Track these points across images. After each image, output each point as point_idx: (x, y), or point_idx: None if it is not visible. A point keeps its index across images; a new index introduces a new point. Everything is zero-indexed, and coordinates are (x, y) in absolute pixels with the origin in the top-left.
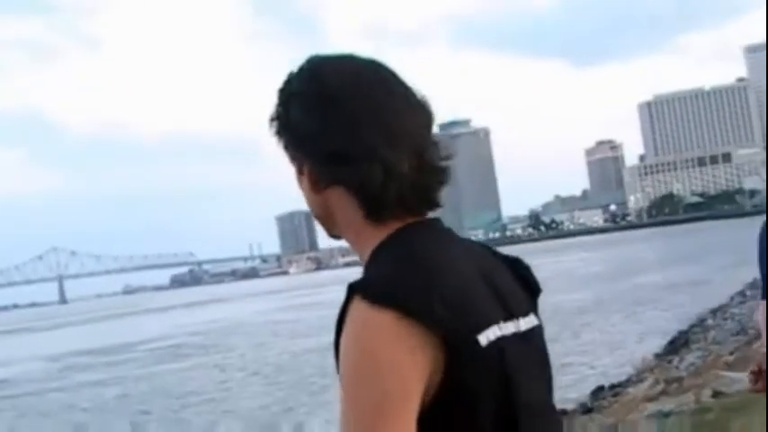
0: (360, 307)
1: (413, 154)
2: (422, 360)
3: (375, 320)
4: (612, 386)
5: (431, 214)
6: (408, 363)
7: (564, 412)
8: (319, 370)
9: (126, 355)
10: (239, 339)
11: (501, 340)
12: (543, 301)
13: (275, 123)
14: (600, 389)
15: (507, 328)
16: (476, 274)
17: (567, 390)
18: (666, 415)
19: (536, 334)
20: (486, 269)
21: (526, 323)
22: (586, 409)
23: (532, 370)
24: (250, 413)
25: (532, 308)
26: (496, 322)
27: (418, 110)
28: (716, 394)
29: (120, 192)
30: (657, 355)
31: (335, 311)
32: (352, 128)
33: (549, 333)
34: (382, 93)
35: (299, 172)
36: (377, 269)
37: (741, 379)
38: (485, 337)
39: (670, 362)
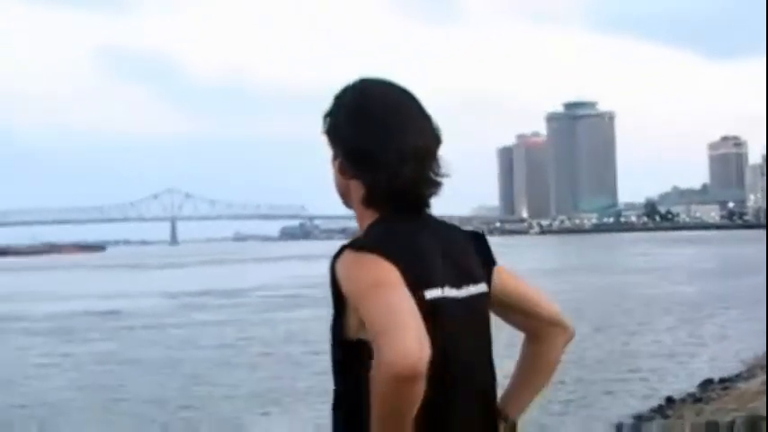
0: (348, 253)
1: (416, 168)
2: (396, 275)
3: (360, 256)
4: (722, 380)
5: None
6: (388, 271)
7: (670, 400)
8: None
9: (241, 299)
10: None
11: (443, 299)
12: (659, 290)
13: (327, 120)
14: (709, 381)
15: (453, 291)
16: (436, 249)
17: (676, 380)
18: None
19: (479, 299)
20: (446, 246)
21: (474, 288)
22: (695, 399)
23: (471, 328)
24: None
25: (484, 277)
26: (442, 286)
27: (428, 134)
28: None
29: (238, 139)
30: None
31: None
32: (373, 141)
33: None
34: (402, 117)
35: (334, 158)
36: (362, 236)
37: None
38: (429, 295)
39: None
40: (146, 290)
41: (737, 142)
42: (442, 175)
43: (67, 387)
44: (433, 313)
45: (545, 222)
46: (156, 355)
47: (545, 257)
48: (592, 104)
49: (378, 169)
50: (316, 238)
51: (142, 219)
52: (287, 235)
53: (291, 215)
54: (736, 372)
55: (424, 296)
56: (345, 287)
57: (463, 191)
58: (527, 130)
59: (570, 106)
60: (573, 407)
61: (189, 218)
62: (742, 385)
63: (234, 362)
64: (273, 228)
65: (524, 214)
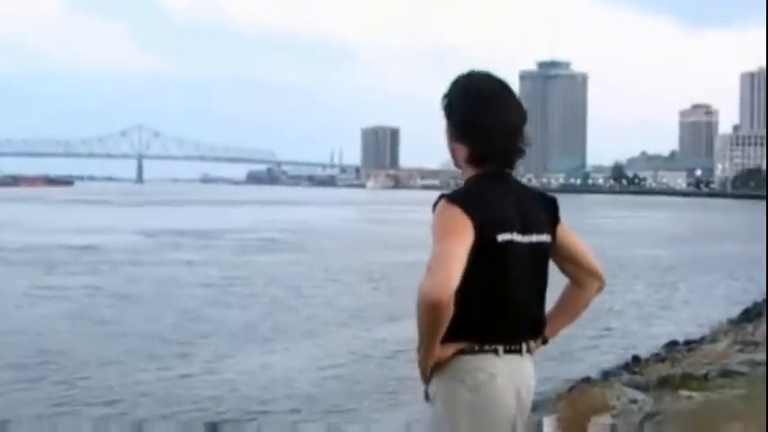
0: (441, 201)
1: (507, 138)
2: (468, 230)
3: (446, 206)
4: (687, 342)
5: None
6: (462, 223)
7: (636, 358)
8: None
9: (217, 240)
10: (330, 243)
11: (511, 242)
12: (626, 252)
13: (445, 100)
14: (674, 343)
15: (520, 237)
16: (511, 203)
17: (643, 341)
18: (757, 364)
19: (543, 246)
20: (520, 201)
21: (537, 237)
22: (660, 359)
23: (528, 270)
24: (358, 312)
25: (548, 230)
26: (512, 231)
27: (517, 114)
28: None
29: (209, 80)
30: (731, 321)
31: (419, 231)
32: (478, 116)
33: (635, 286)
34: (499, 100)
35: (448, 127)
36: (460, 188)
37: None
38: (500, 238)
39: (744, 329)
40: (120, 226)
41: (708, 111)
42: (526, 145)
43: (62, 317)
44: (503, 252)
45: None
46: (142, 292)
47: None
48: (565, 65)
49: (479, 137)
50: (283, 183)
51: (109, 155)
52: (254, 179)
53: (259, 159)
54: (700, 335)
55: (496, 239)
56: (432, 226)
57: (432, 144)
58: None
59: (543, 65)
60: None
61: (156, 156)
62: (706, 347)
63: (222, 301)
64: (241, 171)
65: None
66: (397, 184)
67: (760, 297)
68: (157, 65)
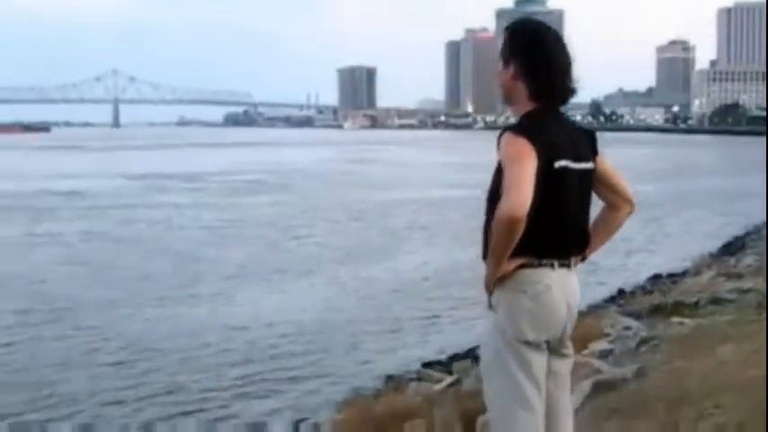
0: (507, 134)
1: (562, 78)
2: (533, 157)
3: (512, 137)
4: (670, 275)
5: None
6: (528, 152)
7: (622, 291)
8: (411, 221)
9: (202, 183)
10: (314, 183)
11: (564, 168)
12: None
13: (507, 43)
14: (657, 276)
15: (572, 164)
16: (564, 135)
17: (628, 275)
18: (746, 291)
19: (589, 172)
20: (571, 134)
21: (585, 165)
22: (646, 291)
23: (580, 190)
24: (352, 251)
25: (591, 160)
26: (567, 159)
27: (567, 55)
28: None
29: (184, 25)
30: (713, 255)
31: (401, 171)
32: (543, 59)
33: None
34: (558, 45)
35: (506, 65)
36: (521, 122)
37: None
38: (557, 164)
39: (726, 261)
40: (103, 171)
41: (685, 47)
42: (575, 84)
43: (62, 263)
44: (559, 176)
45: (490, 118)
46: (136, 234)
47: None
48: (542, 1)
49: (542, 76)
50: (260, 125)
51: (84, 100)
52: (230, 121)
53: (236, 102)
54: (683, 269)
55: (553, 165)
56: (500, 155)
57: (410, 84)
58: (476, 25)
59: (520, 2)
60: None
61: (132, 101)
62: (689, 280)
63: (217, 242)
64: (217, 114)
65: (469, 109)
66: (375, 123)
67: (741, 231)
68: (132, 10)
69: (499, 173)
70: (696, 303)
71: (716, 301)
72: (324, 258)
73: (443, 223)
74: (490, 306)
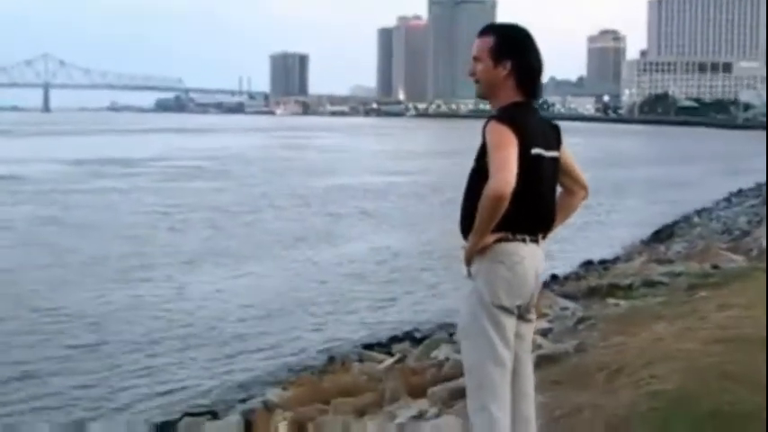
0: (492, 122)
1: (540, 77)
2: (516, 143)
3: (497, 125)
4: (602, 262)
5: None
6: (512, 138)
7: (554, 276)
8: (354, 207)
9: (140, 168)
10: (254, 169)
11: (538, 155)
12: None
13: (496, 44)
14: (588, 263)
15: (544, 152)
16: (537, 126)
17: (562, 262)
18: (677, 274)
19: (555, 160)
20: (541, 125)
21: (553, 153)
22: (578, 277)
23: (548, 178)
24: (302, 236)
25: (557, 148)
26: (540, 147)
27: (540, 55)
28: (716, 268)
29: (116, 9)
30: (644, 242)
31: (336, 157)
32: (532, 59)
33: None
34: (536, 48)
35: (496, 61)
36: (504, 113)
37: (737, 259)
38: (533, 151)
39: (657, 248)
40: (39, 156)
41: (616, 36)
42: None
43: (13, 246)
44: (534, 162)
45: (421, 106)
46: (82, 219)
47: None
48: None
49: (529, 75)
50: (191, 111)
51: (14, 84)
52: (161, 107)
53: (167, 87)
54: (614, 255)
55: (530, 152)
56: (487, 141)
57: (342, 71)
58: (408, 13)
59: None
60: None
61: (63, 86)
62: (619, 267)
63: (162, 226)
64: (149, 99)
65: (401, 97)
66: (306, 110)
67: (670, 219)
68: None
69: (482, 156)
70: (630, 286)
71: (649, 283)
72: (275, 243)
73: (386, 209)
74: (469, 275)
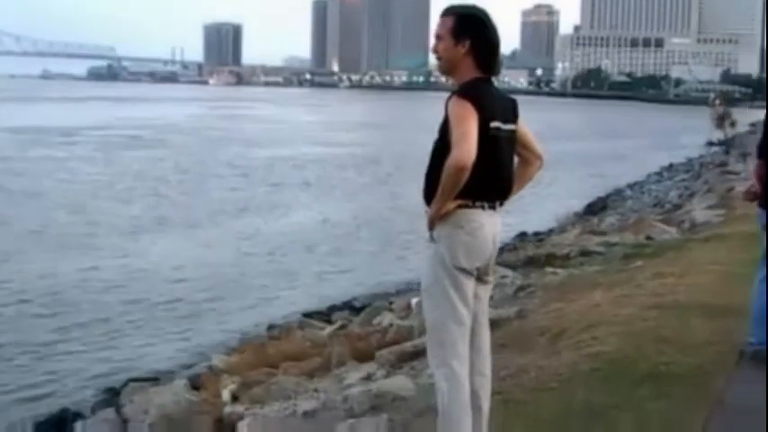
0: (455, 97)
1: (497, 55)
2: (476, 118)
3: (459, 100)
4: (536, 233)
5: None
6: (473, 112)
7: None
8: (293, 177)
9: (78, 137)
10: (191, 139)
11: (497, 128)
12: None
13: (458, 22)
14: (523, 234)
15: (502, 125)
16: (497, 100)
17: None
18: (612, 245)
19: (513, 132)
20: (500, 100)
21: (510, 126)
22: (513, 248)
23: (506, 150)
24: (246, 205)
25: (514, 121)
26: (498, 121)
27: (497, 33)
28: (650, 239)
29: None
30: (577, 215)
31: (272, 128)
32: (491, 38)
33: None
34: (494, 27)
35: (457, 41)
36: (465, 88)
37: (670, 231)
38: (492, 125)
39: (590, 220)
40: None
41: (550, 11)
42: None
43: None
44: (494, 135)
45: (355, 77)
46: (24, 187)
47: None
48: None
49: (488, 52)
50: (124, 80)
51: None
52: (94, 75)
53: (100, 56)
54: (548, 228)
55: (490, 125)
56: (449, 114)
57: (276, 42)
58: None
59: None
60: None
61: None
62: (555, 238)
63: (104, 195)
64: (81, 67)
65: (335, 68)
66: (240, 80)
67: (603, 192)
68: None
69: (444, 129)
70: (567, 255)
71: (585, 253)
72: (222, 212)
73: (325, 179)
74: (432, 239)
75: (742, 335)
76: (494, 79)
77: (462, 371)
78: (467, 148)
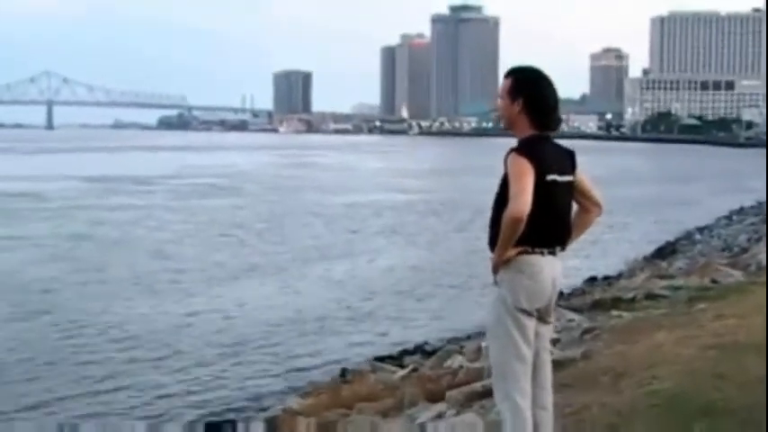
0: (513, 153)
1: (552, 111)
2: (532, 174)
3: (516, 156)
4: (606, 278)
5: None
6: (529, 168)
7: (561, 293)
8: (371, 225)
9: (154, 186)
10: (265, 187)
11: (553, 180)
12: None
13: (517, 83)
14: (593, 279)
15: (558, 177)
16: (552, 155)
17: (567, 278)
18: (677, 288)
19: (570, 183)
20: (557, 154)
21: (567, 177)
22: (582, 292)
23: (564, 197)
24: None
25: (571, 173)
26: (555, 174)
27: (555, 94)
28: (714, 282)
29: (119, 24)
30: (646, 259)
31: (345, 175)
32: (544, 98)
33: None
34: (549, 87)
35: (513, 100)
36: (522, 145)
37: (736, 274)
38: (548, 178)
39: (658, 264)
40: (52, 173)
41: (619, 55)
42: (561, 119)
43: (52, 261)
44: (549, 187)
45: (425, 124)
46: (109, 234)
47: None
48: (477, 8)
49: (543, 111)
50: (194, 128)
51: (17, 102)
52: (164, 124)
53: (171, 105)
54: (618, 272)
55: (546, 177)
56: (508, 170)
57: (345, 89)
58: (412, 31)
59: (456, 9)
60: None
61: (66, 103)
62: (623, 282)
63: (193, 242)
64: (151, 117)
65: (404, 114)
66: (310, 128)
67: (672, 236)
68: (65, 10)
69: (505, 182)
70: (633, 299)
71: (650, 296)
72: (308, 258)
73: (404, 225)
74: (496, 283)
75: None
76: (564, 125)
77: (525, 404)
78: (522, 201)
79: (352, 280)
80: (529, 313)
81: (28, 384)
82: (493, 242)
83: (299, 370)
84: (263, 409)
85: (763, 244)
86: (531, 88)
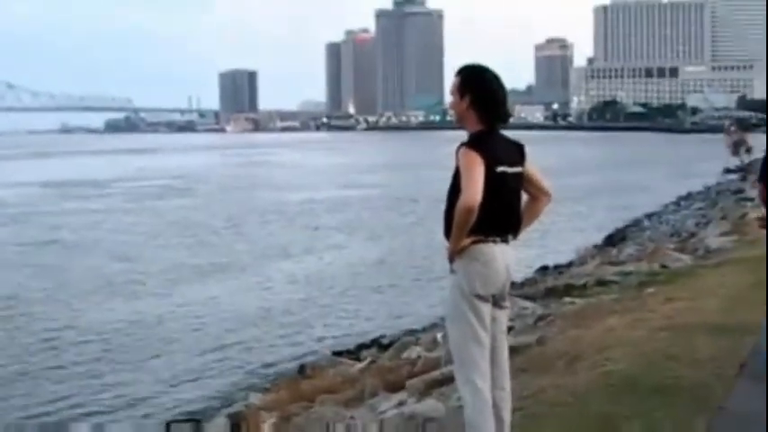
0: (464, 149)
1: (500, 106)
2: (482, 166)
3: (467, 150)
4: (556, 266)
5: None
6: (479, 161)
7: (512, 283)
8: (327, 221)
9: (108, 189)
10: (219, 187)
11: (504, 172)
12: None
13: (465, 80)
14: (544, 268)
15: (508, 169)
16: (502, 146)
17: (518, 268)
18: (628, 274)
19: (519, 174)
20: (506, 146)
21: (516, 169)
22: (534, 281)
23: (514, 188)
24: (286, 248)
25: (521, 164)
26: (504, 165)
27: (503, 88)
28: (664, 267)
29: (63, 30)
30: (597, 246)
31: (295, 173)
32: (493, 94)
33: None
34: (495, 82)
35: (462, 96)
36: (472, 139)
37: (684, 259)
38: (498, 169)
39: (609, 252)
40: (7, 180)
41: (563, 44)
42: (510, 110)
43: (19, 266)
44: (500, 178)
45: (372, 119)
46: (69, 238)
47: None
48: (421, 2)
49: (491, 106)
50: (142, 131)
51: None
52: (111, 127)
53: (117, 108)
54: (569, 260)
55: (496, 169)
56: (459, 163)
57: (291, 87)
58: (356, 27)
59: (399, 3)
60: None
61: (11, 109)
62: (574, 269)
63: (151, 243)
64: (98, 120)
65: (351, 110)
66: (257, 127)
67: (622, 223)
68: (5, 14)
69: (457, 175)
70: (584, 285)
71: (602, 282)
72: (270, 254)
73: (358, 220)
74: (452, 271)
75: (744, 350)
76: (513, 114)
77: (484, 386)
78: (473, 191)
79: (316, 275)
80: (484, 299)
81: None
82: (448, 232)
83: (266, 366)
84: (227, 405)
85: (709, 228)
86: (477, 85)
